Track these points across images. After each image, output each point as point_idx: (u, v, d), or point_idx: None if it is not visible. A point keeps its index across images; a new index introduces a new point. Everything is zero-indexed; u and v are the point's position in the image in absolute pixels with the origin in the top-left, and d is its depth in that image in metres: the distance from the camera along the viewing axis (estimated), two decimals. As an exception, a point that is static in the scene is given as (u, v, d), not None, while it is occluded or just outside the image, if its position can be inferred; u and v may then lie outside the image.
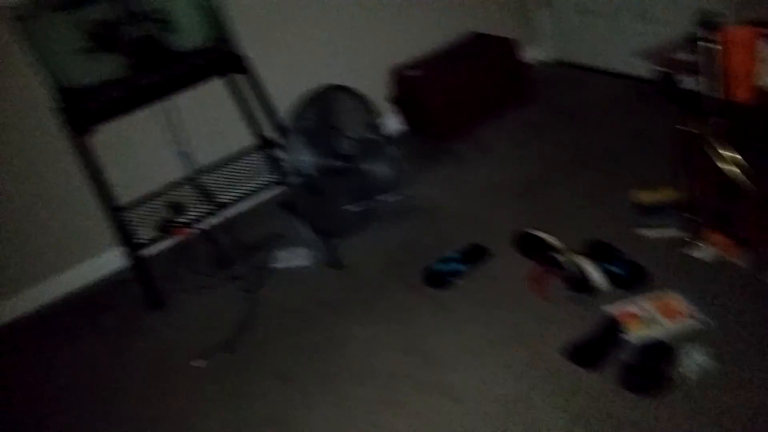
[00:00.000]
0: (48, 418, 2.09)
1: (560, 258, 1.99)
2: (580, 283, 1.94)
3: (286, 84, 2.73)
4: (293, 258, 2.52)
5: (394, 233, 2.54)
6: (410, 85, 3.08)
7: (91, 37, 2.09)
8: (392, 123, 3.19)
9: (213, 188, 2.66)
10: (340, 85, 2.39)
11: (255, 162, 2.80)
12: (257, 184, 2.68)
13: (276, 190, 2.81)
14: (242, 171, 2.75)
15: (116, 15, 2.14)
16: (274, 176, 2.78)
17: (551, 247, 2.07)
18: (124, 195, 2.53)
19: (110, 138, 2.44)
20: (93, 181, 2.28)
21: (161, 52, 2.22)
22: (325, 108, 2.38)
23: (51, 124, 2.42)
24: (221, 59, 2.32)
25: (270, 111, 2.44)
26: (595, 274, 1.93)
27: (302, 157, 2.34)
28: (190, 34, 2.29)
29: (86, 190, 2.52)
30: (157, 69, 2.20)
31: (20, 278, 2.62)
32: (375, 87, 3.04)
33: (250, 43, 2.51)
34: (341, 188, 2.48)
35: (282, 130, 2.46)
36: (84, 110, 2.10)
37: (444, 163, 2.92)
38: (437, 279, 2.17)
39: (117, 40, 2.14)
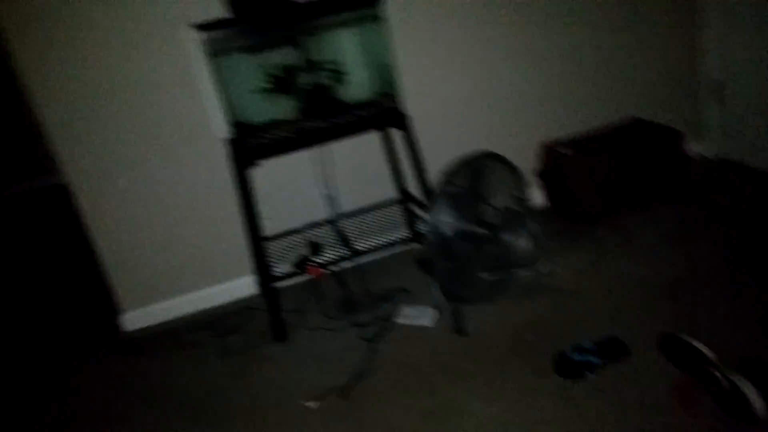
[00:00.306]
0: (161, 423, 2.18)
1: (716, 373, 1.81)
2: (738, 407, 1.75)
3: (438, 144, 2.78)
4: (418, 316, 2.50)
5: (524, 309, 2.45)
6: (560, 163, 3.02)
7: (271, 79, 2.25)
8: (536, 197, 3.14)
9: (351, 234, 2.73)
10: (494, 153, 2.38)
11: (395, 215, 2.84)
12: (394, 237, 2.71)
13: (412, 246, 2.82)
14: (382, 221, 2.80)
15: (297, 62, 2.29)
16: (412, 232, 2.80)
17: (705, 359, 1.89)
18: (269, 227, 2.65)
19: (267, 172, 2.58)
20: (244, 210, 2.40)
21: (330, 101, 2.34)
22: (475, 173, 2.37)
23: (218, 152, 2.61)
24: (384, 114, 2.40)
25: (419, 168, 2.47)
26: (757, 399, 1.73)
27: (444, 219, 2.34)
28: (359, 87, 2.40)
29: (236, 217, 2.67)
30: (324, 116, 2.31)
31: (158, 289, 2.80)
32: (523, 158, 3.01)
33: (411, 100, 2.59)
34: (478, 255, 2.44)
35: (427, 188, 2.48)
36: (252, 145, 2.24)
37: (585, 246, 2.81)
38: (569, 368, 2.05)
39: (293, 84, 2.28)
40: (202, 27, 2.16)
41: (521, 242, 2.53)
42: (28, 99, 2.41)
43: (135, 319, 2.80)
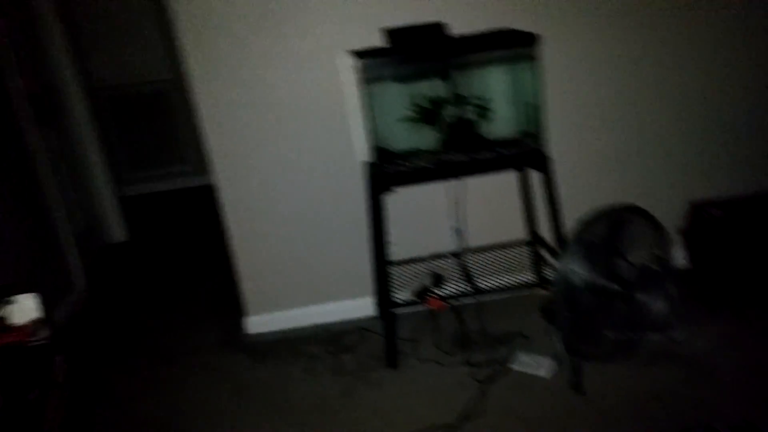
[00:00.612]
0: (264, 426, 2.25)
1: None
2: None
3: (577, 191, 2.70)
4: (534, 365, 2.41)
5: (651, 377, 2.29)
6: (708, 224, 2.82)
7: (417, 109, 2.29)
8: (678, 258, 2.94)
9: (475, 270, 2.70)
10: (637, 207, 2.26)
11: (523, 257, 2.77)
12: (519, 279, 2.64)
13: (536, 291, 2.74)
14: (508, 262, 2.74)
15: (444, 94, 2.31)
16: (539, 277, 2.72)
17: None
18: (394, 252, 2.68)
19: (399, 197, 2.62)
20: (374, 233, 2.44)
21: (473, 136, 2.34)
22: (615, 226, 2.26)
23: (356, 174, 2.69)
24: (526, 154, 2.36)
25: (555, 213, 2.40)
26: None
27: (575, 268, 2.25)
28: (503, 125, 2.38)
29: (364, 238, 2.73)
30: (465, 150, 2.31)
31: (282, 298, 2.91)
32: (668, 215, 2.83)
33: (555, 143, 2.53)
34: (606, 311, 2.32)
35: (561, 235, 2.40)
36: (391, 171, 2.28)
37: (727, 318, 2.59)
38: (697, 450, 1.89)
39: (438, 116, 2.31)
40: (359, 54, 2.24)
41: (656, 304, 2.37)
42: (194, 108, 2.62)
43: (258, 323, 2.92)
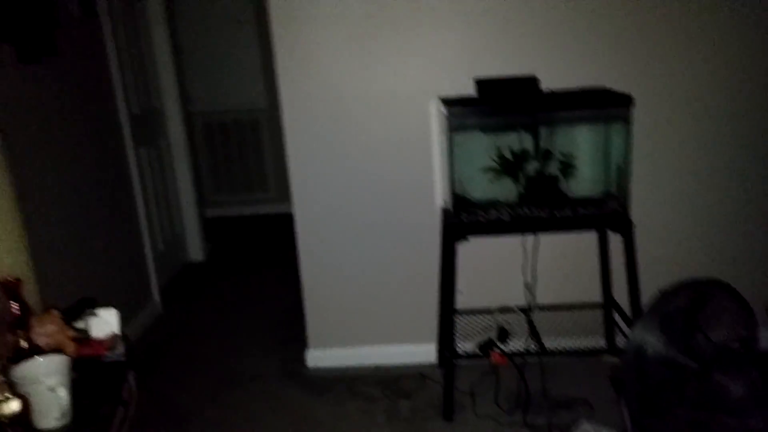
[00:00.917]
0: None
1: None
2: None
3: (658, 258, 2.60)
4: (597, 436, 2.31)
5: (725, 465, 2.14)
6: (800, 307, 2.64)
7: (500, 160, 2.28)
8: (764, 338, 2.76)
9: (543, 328, 2.62)
10: (722, 282, 2.16)
11: (594, 320, 2.68)
12: (589, 343, 2.56)
13: (605, 358, 2.64)
14: (578, 324, 2.66)
15: (529, 148, 2.30)
16: (609, 343, 2.63)
17: None
18: (460, 300, 2.65)
19: (471, 245, 2.60)
20: (443, 280, 2.43)
21: (554, 192, 2.31)
22: (696, 299, 2.16)
23: (431, 219, 2.69)
24: (608, 216, 2.31)
25: (633, 279, 2.32)
26: None
27: (649, 339, 2.15)
28: (586, 184, 2.34)
29: (432, 283, 2.72)
30: (545, 206, 2.28)
31: (344, 335, 2.92)
32: (757, 293, 2.67)
33: (638, 207, 2.46)
34: (680, 389, 2.20)
35: (637, 302, 2.31)
36: (467, 220, 2.27)
37: (815, 411, 2.40)
38: None
39: (520, 169, 2.29)
40: (447, 102, 2.27)
41: (735, 387, 2.23)
42: (285, 140, 2.72)
43: (319, 357, 2.94)
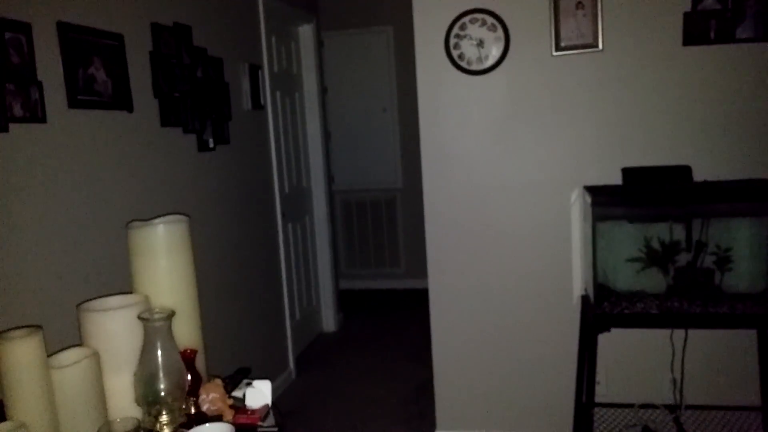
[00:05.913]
0: None
1: None
2: None
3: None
4: None
5: None
6: None
7: (648, 251, 2.21)
8: None
9: (692, 430, 2.44)
10: None
11: (752, 424, 2.45)
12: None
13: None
14: (732, 427, 2.44)
15: (678, 239, 2.22)
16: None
17: None
18: (598, 392, 2.54)
19: (613, 335, 2.49)
20: (581, 371, 2.35)
21: (707, 286, 2.19)
22: None
23: (571, 308, 2.64)
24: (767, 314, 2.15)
25: (798, 384, 2.12)
26: None
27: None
28: (742, 278, 2.20)
29: (569, 373, 2.63)
30: (696, 300, 2.17)
31: (473, 419, 2.87)
32: None
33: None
34: None
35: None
36: (610, 311, 2.21)
37: None
38: None
39: (670, 261, 2.21)
40: (593, 191, 2.26)
41: None
42: (425, 221, 2.81)
43: (445, 439, 2.91)
